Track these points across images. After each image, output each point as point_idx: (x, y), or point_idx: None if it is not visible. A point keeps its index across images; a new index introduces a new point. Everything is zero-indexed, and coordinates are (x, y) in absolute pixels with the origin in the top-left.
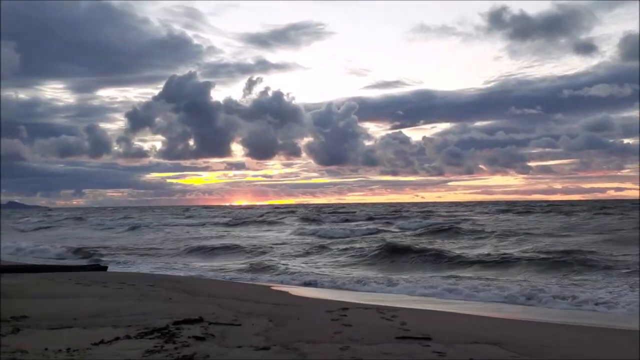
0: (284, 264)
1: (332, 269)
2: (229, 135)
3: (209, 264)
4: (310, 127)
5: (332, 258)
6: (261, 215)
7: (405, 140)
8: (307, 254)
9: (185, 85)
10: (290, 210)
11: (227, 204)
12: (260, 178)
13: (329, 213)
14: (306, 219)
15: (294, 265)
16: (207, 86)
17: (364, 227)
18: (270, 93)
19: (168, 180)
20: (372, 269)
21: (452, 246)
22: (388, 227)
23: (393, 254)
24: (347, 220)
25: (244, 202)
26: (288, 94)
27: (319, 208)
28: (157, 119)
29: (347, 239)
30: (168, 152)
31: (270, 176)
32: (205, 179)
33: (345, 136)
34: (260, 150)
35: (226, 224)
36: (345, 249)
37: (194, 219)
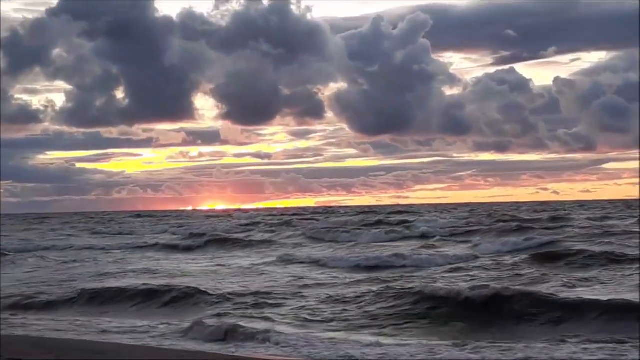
0: (266, 319)
1: (358, 332)
2: (190, 80)
3: (143, 321)
4: (343, 62)
5: (342, 311)
6: (245, 230)
7: (522, 84)
8: (293, 299)
9: None
10: (301, 217)
11: (188, 207)
12: (249, 159)
13: (370, 224)
14: (314, 238)
15: (284, 322)
16: None
17: (429, 253)
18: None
19: (78, 165)
20: (425, 334)
21: (568, 286)
22: (471, 248)
23: (450, 307)
24: (392, 240)
25: (219, 205)
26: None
27: (359, 212)
28: (57, 52)
29: (365, 275)
30: (78, 114)
31: (269, 155)
32: (147, 161)
33: (408, 79)
34: (249, 108)
35: (174, 247)
36: (366, 295)
37: (119, 238)
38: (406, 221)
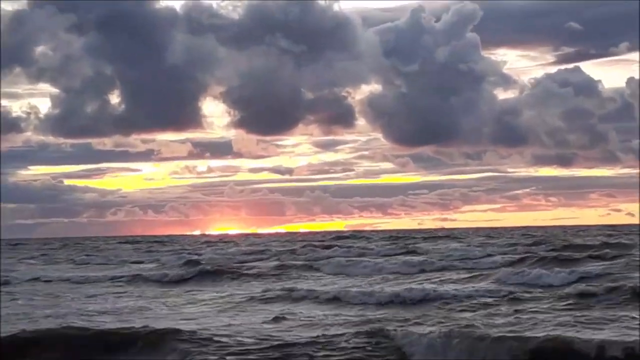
0: None
1: None
2: (197, 82)
3: None
4: (376, 60)
5: None
6: (250, 258)
7: (589, 86)
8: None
9: None
10: (322, 243)
11: (195, 231)
12: (266, 175)
13: (400, 252)
14: (322, 270)
15: None
16: None
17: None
18: None
19: (67, 182)
20: None
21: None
22: (500, 281)
23: None
24: (417, 272)
25: (232, 229)
26: None
27: (393, 238)
28: (40, 49)
29: (364, 313)
30: (65, 121)
31: (290, 170)
32: (147, 177)
33: (454, 80)
34: (266, 115)
35: (157, 280)
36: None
37: (100, 268)
38: (437, 249)
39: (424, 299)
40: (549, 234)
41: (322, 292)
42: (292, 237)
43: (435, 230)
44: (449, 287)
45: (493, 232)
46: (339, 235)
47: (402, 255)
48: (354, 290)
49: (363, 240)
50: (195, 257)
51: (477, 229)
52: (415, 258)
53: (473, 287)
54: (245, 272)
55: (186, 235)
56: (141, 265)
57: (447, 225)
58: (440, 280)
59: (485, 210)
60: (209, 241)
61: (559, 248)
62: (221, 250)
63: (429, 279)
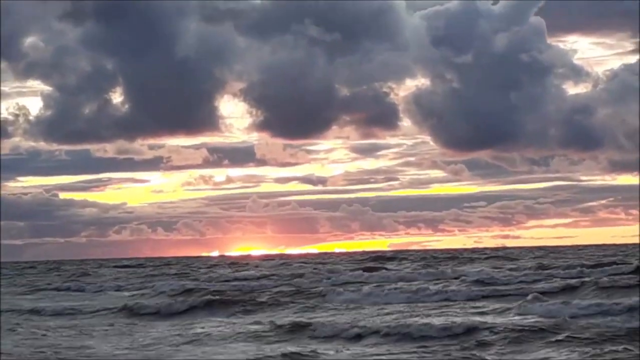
0: None
1: None
2: (213, 77)
3: None
4: (423, 51)
5: None
6: (268, 283)
7: None
8: None
9: None
10: (356, 264)
11: (213, 252)
12: (295, 186)
13: (440, 277)
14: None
15: None
16: None
17: None
18: None
19: (62, 196)
20: None
21: None
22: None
23: None
24: (447, 299)
25: (256, 249)
26: None
27: (438, 259)
28: (30, 41)
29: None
30: (59, 125)
31: (323, 180)
32: (156, 189)
33: (515, 73)
34: (294, 115)
35: (145, 312)
36: None
37: (75, 297)
38: (472, 272)
39: (427, 334)
40: (626, 253)
41: (319, 324)
42: (324, 258)
43: (495, 249)
44: (463, 320)
45: (557, 250)
46: (377, 256)
47: (430, 281)
48: (356, 324)
49: (403, 262)
50: (194, 282)
51: (543, 248)
52: (435, 285)
53: (494, 320)
54: (245, 301)
55: (202, 257)
56: (125, 293)
57: (509, 243)
58: (455, 313)
59: (553, 226)
60: (224, 263)
61: (631, 271)
62: (231, 274)
63: (440, 310)
